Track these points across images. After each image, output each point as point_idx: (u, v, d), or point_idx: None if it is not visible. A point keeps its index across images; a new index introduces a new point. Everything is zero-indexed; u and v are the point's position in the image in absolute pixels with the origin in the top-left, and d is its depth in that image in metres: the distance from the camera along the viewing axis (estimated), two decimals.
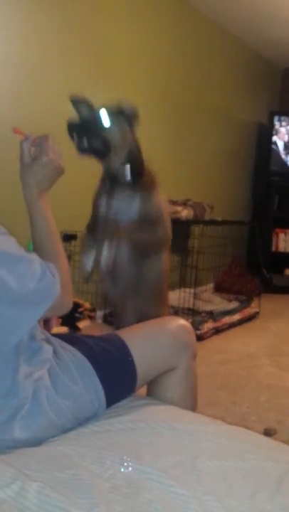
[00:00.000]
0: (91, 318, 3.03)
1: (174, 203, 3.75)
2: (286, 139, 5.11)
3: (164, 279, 1.64)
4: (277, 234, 5.12)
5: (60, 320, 2.75)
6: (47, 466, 0.91)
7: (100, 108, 1.40)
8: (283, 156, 5.12)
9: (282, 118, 5.10)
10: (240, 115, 5.08)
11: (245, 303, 3.82)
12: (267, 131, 5.16)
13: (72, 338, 1.18)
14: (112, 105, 1.42)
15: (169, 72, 3.94)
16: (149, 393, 1.25)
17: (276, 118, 5.09)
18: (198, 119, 4.38)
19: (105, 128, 1.39)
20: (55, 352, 1.08)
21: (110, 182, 1.50)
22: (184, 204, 3.80)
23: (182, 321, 1.26)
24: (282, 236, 5.15)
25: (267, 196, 5.15)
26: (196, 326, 2.86)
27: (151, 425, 1.02)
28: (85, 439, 0.99)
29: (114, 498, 0.81)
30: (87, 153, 1.42)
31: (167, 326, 1.24)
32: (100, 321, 3.24)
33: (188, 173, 4.30)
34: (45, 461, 0.93)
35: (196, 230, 3.84)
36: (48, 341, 1.09)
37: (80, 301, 3.06)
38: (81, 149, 1.39)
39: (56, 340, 1.12)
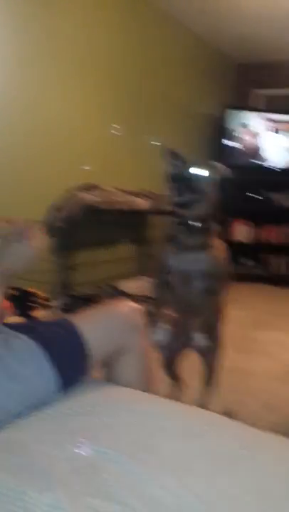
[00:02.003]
0: (46, 307, 2.99)
1: (131, 193, 3.75)
2: (234, 132, 5.21)
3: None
4: (235, 225, 5.21)
5: (15, 310, 2.70)
6: (2, 450, 0.89)
7: (193, 163, 1.49)
8: (233, 149, 5.21)
9: (232, 111, 5.18)
10: (197, 108, 5.13)
11: None
12: (222, 124, 5.24)
13: (22, 325, 1.17)
14: (203, 161, 1.53)
15: (124, 65, 3.92)
16: (105, 376, 1.26)
17: (230, 112, 5.18)
18: (155, 112, 4.39)
19: (200, 181, 1.48)
20: (2, 338, 1.07)
21: (185, 235, 1.56)
22: (141, 194, 3.81)
23: (131, 304, 1.30)
24: (239, 226, 5.23)
25: (225, 188, 5.23)
26: (153, 313, 2.88)
27: (108, 407, 1.02)
28: (43, 424, 0.98)
29: (73, 479, 0.81)
30: (182, 207, 1.50)
31: (117, 309, 1.27)
32: (55, 310, 3.21)
33: (145, 164, 4.31)
34: (0, 446, 0.91)
35: (153, 219, 3.86)
36: None
37: (35, 291, 3.02)
38: (180, 204, 1.48)
39: (4, 328, 1.11)
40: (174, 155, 1.50)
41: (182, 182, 1.47)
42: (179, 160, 1.50)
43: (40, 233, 1.10)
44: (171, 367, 1.79)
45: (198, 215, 1.52)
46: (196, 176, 1.48)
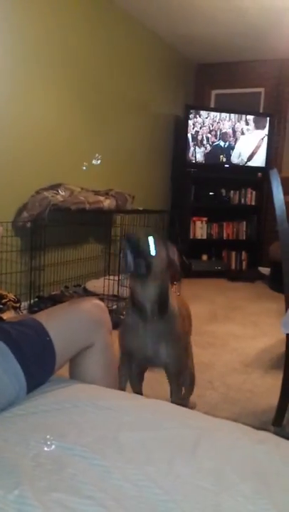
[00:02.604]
0: (15, 309, 2.98)
1: (96, 193, 3.77)
2: (194, 132, 5.30)
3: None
4: (194, 222, 5.34)
5: None
6: None
7: (149, 236, 1.49)
8: (192, 148, 5.30)
9: (192, 111, 5.27)
10: (158, 108, 5.20)
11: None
12: (183, 124, 5.31)
13: None
14: (156, 236, 1.52)
15: (86, 64, 3.94)
16: (71, 373, 1.28)
17: (191, 111, 5.26)
18: (118, 112, 4.42)
19: (151, 255, 1.48)
20: None
21: (137, 316, 1.57)
22: (107, 194, 3.83)
23: (95, 300, 1.32)
24: (198, 224, 5.38)
25: (184, 187, 5.34)
26: (120, 311, 2.92)
27: (74, 404, 1.05)
28: (9, 423, 0.99)
29: (38, 475, 0.83)
30: (130, 271, 1.51)
31: (81, 306, 1.28)
32: (24, 311, 3.20)
33: (109, 164, 4.34)
34: None
35: (118, 218, 3.89)
36: None
37: (4, 293, 3.01)
38: (127, 266, 1.47)
39: None
40: (132, 242, 1.49)
41: (134, 247, 1.47)
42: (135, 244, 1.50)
43: None
44: (134, 385, 1.83)
45: (143, 299, 1.53)
46: (149, 247, 1.48)
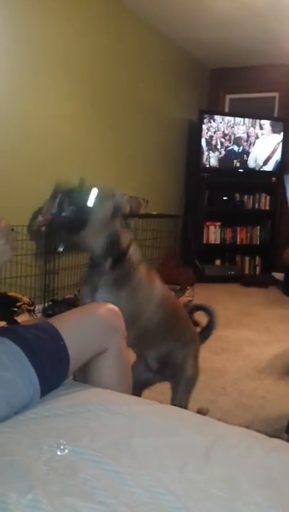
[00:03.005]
0: (30, 312, 3.01)
1: None
2: (208, 136, 5.29)
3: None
4: (207, 227, 5.33)
5: None
6: None
7: (93, 187, 1.40)
8: (206, 153, 5.29)
9: (206, 116, 5.26)
10: (172, 113, 5.21)
11: (180, 292, 3.94)
12: (196, 129, 5.31)
13: (5, 329, 1.19)
14: (104, 189, 1.42)
15: (102, 70, 3.97)
16: (84, 378, 1.28)
17: (205, 116, 5.26)
18: (132, 116, 4.44)
19: (88, 206, 1.38)
20: None
21: (94, 271, 1.50)
22: None
23: (110, 305, 1.30)
24: (212, 229, 5.37)
25: (198, 191, 5.33)
26: None
27: (88, 409, 1.05)
28: (22, 426, 1.00)
29: (51, 479, 0.84)
30: (61, 221, 1.41)
31: (96, 311, 1.28)
32: (38, 314, 3.22)
33: (124, 169, 4.36)
34: None
35: (131, 223, 3.90)
36: None
37: (19, 296, 3.04)
38: (57, 213, 1.38)
39: None
40: (81, 179, 1.41)
41: (66, 194, 1.38)
42: (80, 182, 1.41)
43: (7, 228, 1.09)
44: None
45: (96, 256, 1.45)
46: (87, 197, 1.39)
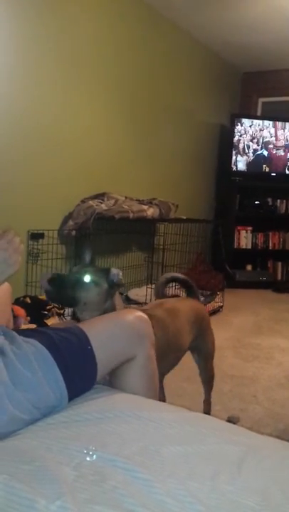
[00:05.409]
0: (59, 315, 3.03)
1: (140, 201, 3.79)
2: (239, 140, 5.23)
3: None
4: (238, 231, 5.26)
5: (28, 318, 2.74)
6: (13, 458, 0.91)
7: (88, 268, 1.44)
8: (238, 157, 5.23)
9: (237, 120, 5.21)
10: (204, 117, 5.18)
11: (210, 297, 3.90)
12: (228, 133, 5.27)
13: (34, 331, 1.19)
14: (101, 268, 1.47)
15: (131, 74, 3.98)
16: (112, 384, 1.27)
17: (237, 120, 5.22)
18: (163, 120, 4.44)
19: (83, 282, 1.40)
20: (13, 343, 1.09)
21: None
22: (150, 203, 3.84)
23: (138, 313, 1.30)
24: (243, 233, 5.29)
25: (229, 195, 5.28)
26: None
27: (116, 414, 1.04)
28: (52, 431, 1.00)
29: (80, 486, 0.83)
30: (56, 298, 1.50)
31: (124, 317, 1.27)
32: (68, 318, 3.24)
33: (154, 173, 4.36)
34: (11, 454, 0.93)
35: (161, 227, 3.89)
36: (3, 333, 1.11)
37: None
38: (48, 293, 1.41)
39: (16, 335, 1.13)
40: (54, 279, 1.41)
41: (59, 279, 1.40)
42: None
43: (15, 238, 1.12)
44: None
45: None
46: (81, 276, 1.40)
